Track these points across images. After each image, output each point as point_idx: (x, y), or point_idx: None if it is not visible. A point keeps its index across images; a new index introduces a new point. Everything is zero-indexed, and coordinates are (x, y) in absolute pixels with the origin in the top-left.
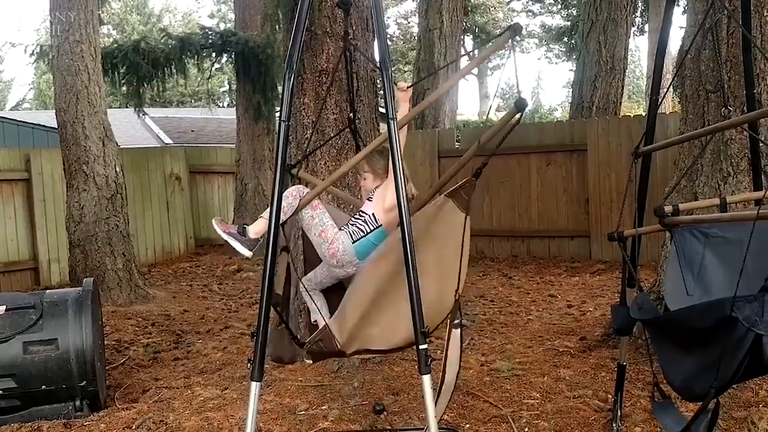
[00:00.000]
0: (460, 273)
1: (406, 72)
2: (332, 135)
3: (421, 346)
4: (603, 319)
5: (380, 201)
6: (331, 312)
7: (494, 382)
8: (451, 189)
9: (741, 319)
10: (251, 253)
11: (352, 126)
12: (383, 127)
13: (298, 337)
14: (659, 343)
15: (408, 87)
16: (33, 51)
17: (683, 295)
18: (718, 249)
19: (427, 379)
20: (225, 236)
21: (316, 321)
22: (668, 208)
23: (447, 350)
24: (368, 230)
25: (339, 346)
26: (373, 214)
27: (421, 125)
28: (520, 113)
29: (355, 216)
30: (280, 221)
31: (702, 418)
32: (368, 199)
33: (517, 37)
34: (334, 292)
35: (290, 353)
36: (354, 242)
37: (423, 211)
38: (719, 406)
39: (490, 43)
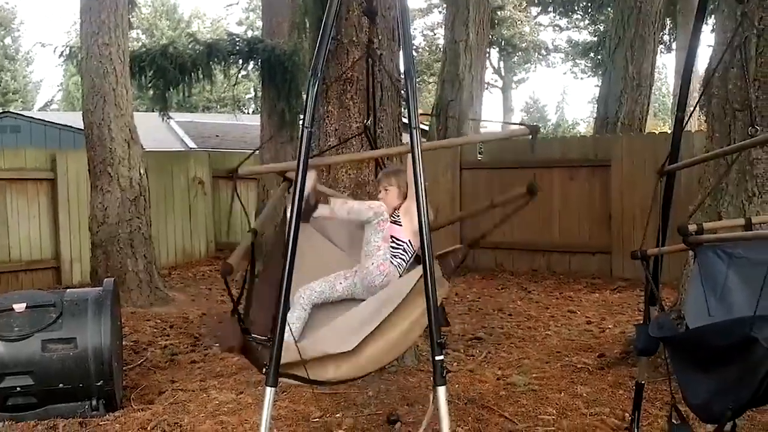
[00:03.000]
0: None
1: (430, 83)
2: (354, 144)
3: (437, 357)
4: (622, 336)
5: (410, 224)
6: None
7: (510, 396)
8: (441, 251)
9: (761, 339)
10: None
11: (368, 133)
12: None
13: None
14: (678, 362)
15: None
16: (62, 52)
17: (705, 315)
18: (742, 270)
19: (441, 391)
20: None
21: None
22: (692, 227)
23: None
24: (408, 258)
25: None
26: (409, 241)
27: (444, 137)
28: None
29: (391, 246)
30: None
31: None
32: (396, 223)
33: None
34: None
35: (241, 342)
36: (400, 276)
37: (408, 273)
38: (736, 427)
39: (509, 126)
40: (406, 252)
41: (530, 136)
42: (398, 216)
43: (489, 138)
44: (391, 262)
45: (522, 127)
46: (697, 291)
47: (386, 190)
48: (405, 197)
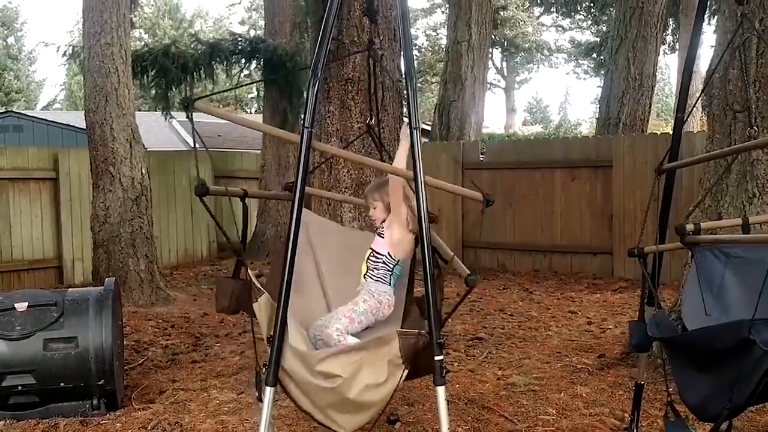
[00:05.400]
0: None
1: (433, 83)
2: (355, 144)
3: (437, 357)
4: (623, 337)
5: (389, 238)
6: None
7: (510, 396)
8: (405, 328)
9: (758, 342)
10: None
11: (372, 132)
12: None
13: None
14: (676, 361)
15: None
16: (65, 52)
17: (702, 314)
18: (739, 269)
19: (441, 391)
20: None
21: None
22: (690, 227)
23: None
24: (391, 267)
25: None
26: (388, 253)
27: (446, 137)
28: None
29: (372, 258)
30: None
31: None
32: (379, 235)
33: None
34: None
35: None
36: (390, 285)
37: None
38: (732, 427)
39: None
40: (386, 264)
41: (484, 203)
42: (382, 228)
43: (449, 189)
44: (373, 277)
45: (478, 193)
46: (695, 290)
47: (374, 207)
48: (389, 210)
